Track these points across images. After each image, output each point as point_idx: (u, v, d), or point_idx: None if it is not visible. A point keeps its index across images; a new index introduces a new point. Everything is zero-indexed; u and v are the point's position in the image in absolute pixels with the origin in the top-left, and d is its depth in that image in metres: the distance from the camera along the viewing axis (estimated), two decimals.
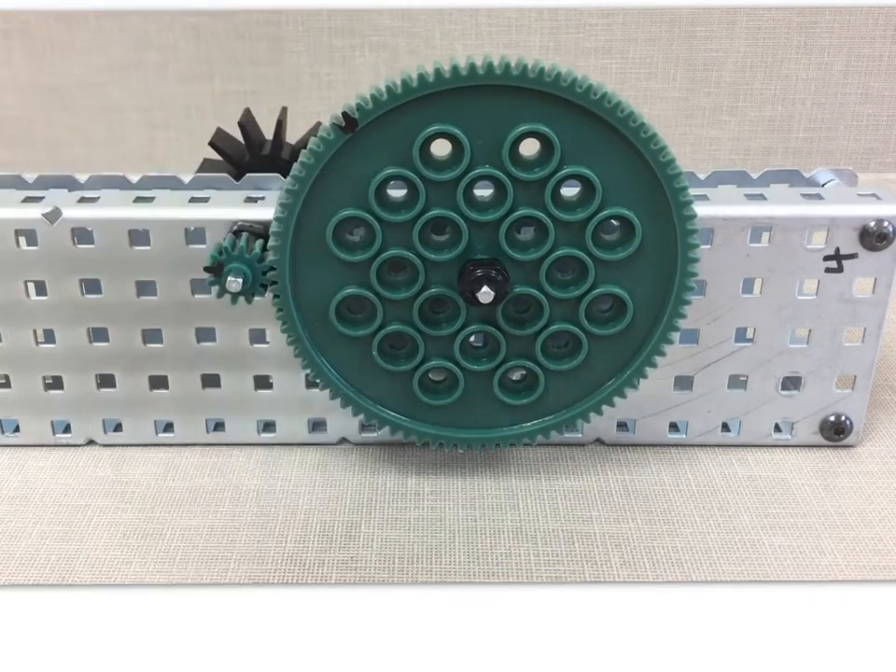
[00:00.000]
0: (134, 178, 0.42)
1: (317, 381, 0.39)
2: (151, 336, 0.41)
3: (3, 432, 0.43)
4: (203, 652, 0.32)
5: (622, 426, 0.43)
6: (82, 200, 0.40)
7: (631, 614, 0.34)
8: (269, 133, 0.51)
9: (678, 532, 0.38)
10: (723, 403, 0.42)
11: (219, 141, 0.51)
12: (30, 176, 0.43)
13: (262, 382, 0.42)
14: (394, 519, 0.39)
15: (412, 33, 0.76)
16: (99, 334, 0.41)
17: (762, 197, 0.39)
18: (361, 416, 0.40)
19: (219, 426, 0.43)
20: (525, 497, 0.40)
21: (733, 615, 0.34)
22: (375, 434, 0.43)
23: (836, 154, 0.80)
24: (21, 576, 0.36)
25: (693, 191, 0.36)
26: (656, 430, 0.42)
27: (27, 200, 0.40)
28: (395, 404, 0.39)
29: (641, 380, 0.39)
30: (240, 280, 0.36)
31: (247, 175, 0.42)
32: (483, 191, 0.36)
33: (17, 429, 0.43)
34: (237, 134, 0.51)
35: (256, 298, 0.37)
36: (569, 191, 0.36)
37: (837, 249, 0.39)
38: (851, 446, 0.43)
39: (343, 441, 0.43)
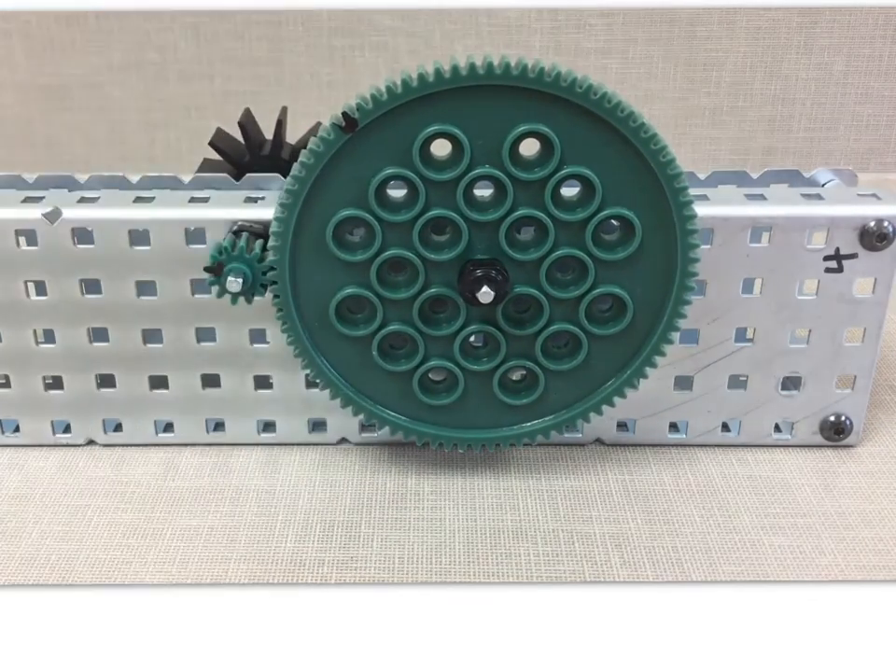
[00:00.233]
0: (134, 178, 0.42)
1: (317, 381, 0.39)
2: (151, 336, 0.41)
3: (3, 432, 0.43)
4: (203, 652, 0.32)
5: (622, 426, 0.43)
6: (82, 200, 0.40)
7: (631, 614, 0.34)
8: (269, 133, 0.51)
9: (678, 532, 0.38)
10: (723, 403, 0.42)
11: (219, 141, 0.51)
12: (30, 176, 0.43)
13: (262, 382, 0.42)
14: (394, 519, 0.39)
15: (412, 33, 0.76)
16: (99, 334, 0.41)
17: (762, 197, 0.39)
18: (361, 416, 0.40)
19: (219, 426, 0.43)
20: (525, 496, 0.40)
21: (733, 615, 0.34)
22: (375, 434, 0.43)
23: (836, 154, 0.80)
24: (21, 576, 0.36)
25: (693, 191, 0.36)
26: (656, 430, 0.42)
27: (27, 200, 0.40)
28: (395, 404, 0.39)
29: (641, 380, 0.39)
30: (240, 280, 0.36)
31: (247, 174, 0.42)
32: (483, 191, 0.36)
33: (17, 429, 0.43)
34: (237, 134, 0.51)
35: (256, 298, 0.37)
36: (569, 191, 0.36)
37: (837, 249, 0.39)
38: (851, 446, 0.43)
39: (343, 440, 0.43)
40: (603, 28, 0.76)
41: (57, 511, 0.39)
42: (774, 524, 0.38)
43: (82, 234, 0.39)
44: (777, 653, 0.32)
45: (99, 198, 0.40)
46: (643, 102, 0.77)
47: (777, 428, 0.43)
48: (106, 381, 0.42)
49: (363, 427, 0.43)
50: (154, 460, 0.42)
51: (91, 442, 0.43)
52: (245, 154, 0.51)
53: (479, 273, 0.36)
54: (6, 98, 0.78)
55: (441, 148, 0.36)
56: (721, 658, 0.32)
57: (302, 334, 0.38)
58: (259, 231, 0.38)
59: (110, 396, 0.42)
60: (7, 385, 0.42)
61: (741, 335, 0.41)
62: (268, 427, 0.43)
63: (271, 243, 0.36)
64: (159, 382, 0.42)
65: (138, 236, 0.39)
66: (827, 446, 0.43)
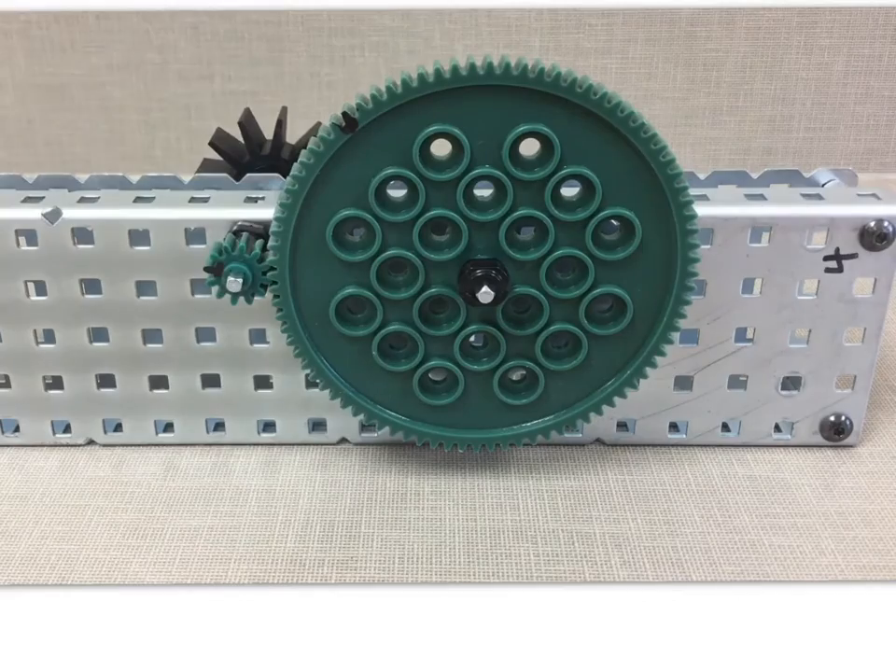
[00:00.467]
0: (134, 178, 0.42)
1: (317, 381, 0.39)
2: (151, 336, 0.41)
3: (3, 432, 0.43)
4: (203, 652, 0.32)
5: (622, 426, 0.43)
6: (82, 200, 0.40)
7: (631, 614, 0.34)
8: (269, 133, 0.51)
9: (678, 532, 0.38)
10: (723, 403, 0.42)
11: (219, 141, 0.51)
12: (30, 176, 0.43)
13: (262, 382, 0.42)
14: (394, 519, 0.39)
15: (412, 33, 0.76)
16: (99, 334, 0.41)
17: (762, 197, 0.39)
18: (361, 416, 0.40)
19: (219, 426, 0.43)
20: (525, 497, 0.40)
21: (733, 615, 0.34)
22: (375, 434, 0.43)
23: (836, 154, 0.80)
24: (21, 576, 0.36)
25: (693, 191, 0.36)
26: (656, 430, 0.42)
27: (27, 200, 0.40)
28: (395, 404, 0.39)
29: (641, 380, 0.39)
30: (240, 280, 0.36)
31: (247, 174, 0.42)
32: (483, 191, 0.36)
33: (17, 429, 0.43)
34: (237, 134, 0.51)
35: (256, 298, 0.37)
36: (569, 191, 0.36)
37: (837, 249, 0.39)
38: (851, 446, 0.43)
39: (343, 440, 0.43)
40: (603, 28, 0.76)
41: (57, 511, 0.39)
42: (774, 524, 0.38)
43: (82, 234, 0.39)
44: (777, 653, 0.32)
45: (99, 198, 0.40)
46: (643, 102, 0.77)
47: (777, 428, 0.43)
48: (106, 381, 0.42)
49: (363, 427, 0.43)
50: (154, 460, 0.42)
51: (90, 442, 0.43)
52: (245, 154, 0.51)
53: (479, 272, 0.36)
54: (6, 98, 0.78)
55: (441, 148, 0.36)
56: (721, 658, 0.32)
57: (302, 334, 0.38)
58: (258, 231, 0.38)
59: (110, 396, 0.42)
60: (7, 385, 0.42)
61: (741, 335, 0.41)
62: (268, 427, 0.43)
63: (271, 243, 0.36)
64: (159, 382, 0.42)
65: (138, 236, 0.39)
66: (827, 446, 0.43)
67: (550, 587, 0.35)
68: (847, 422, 0.42)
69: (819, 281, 0.39)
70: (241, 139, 0.51)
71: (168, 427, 0.43)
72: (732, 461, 0.42)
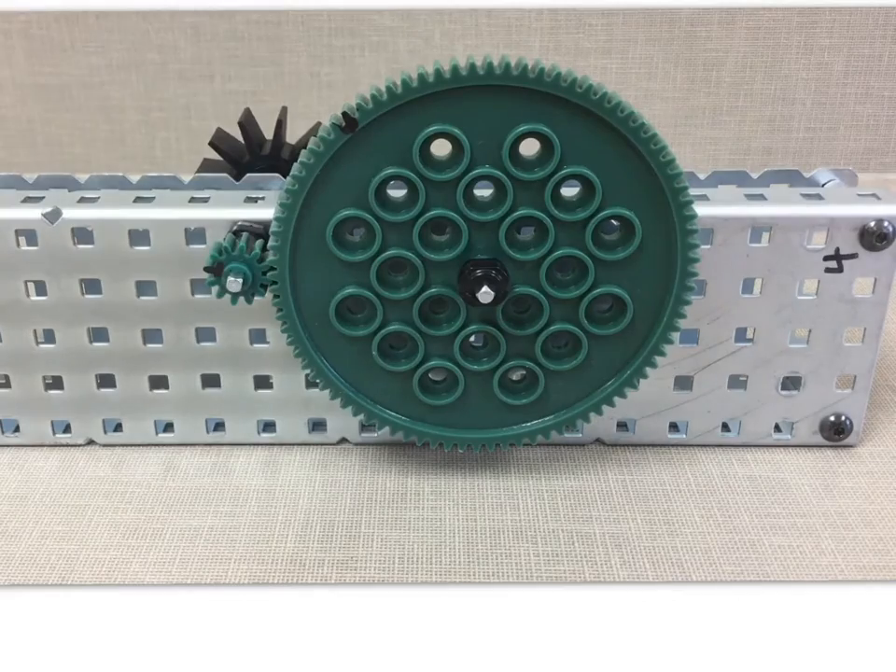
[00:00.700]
0: (134, 178, 0.42)
1: (317, 381, 0.39)
2: (151, 336, 0.41)
3: (3, 432, 0.43)
4: (203, 652, 0.32)
5: (622, 426, 0.43)
6: (82, 200, 0.40)
7: (631, 614, 0.34)
8: (269, 133, 0.51)
9: (678, 532, 0.38)
10: (723, 403, 0.42)
11: (219, 141, 0.51)
12: (30, 176, 0.43)
13: (262, 382, 0.42)
14: (394, 519, 0.39)
15: (412, 33, 0.76)
16: (99, 334, 0.41)
17: (762, 197, 0.39)
18: (361, 416, 0.40)
19: (219, 426, 0.43)
20: (525, 497, 0.40)
21: (733, 615, 0.34)
22: (375, 434, 0.43)
23: (836, 154, 0.80)
24: (21, 576, 0.36)
25: (693, 191, 0.36)
26: (656, 430, 0.42)
27: (27, 200, 0.40)
28: (395, 404, 0.39)
29: (641, 380, 0.39)
30: (240, 280, 0.36)
31: (247, 174, 0.42)
32: (483, 191, 0.36)
33: (17, 429, 0.43)
34: (237, 134, 0.51)
35: (256, 298, 0.37)
36: (569, 191, 0.36)
37: (837, 249, 0.39)
38: (851, 446, 0.43)
39: (343, 440, 0.43)
40: (603, 28, 0.76)
41: (57, 511, 0.39)
42: (774, 524, 0.38)
43: (82, 234, 0.39)
44: (777, 653, 0.32)
45: (99, 198, 0.40)
46: (643, 102, 0.77)
47: (777, 428, 0.43)
48: (106, 381, 0.42)
49: (363, 427, 0.43)
50: (154, 460, 0.42)
51: (90, 442, 0.43)
52: (245, 154, 0.51)
53: (479, 272, 0.36)
54: (6, 98, 0.78)
55: (441, 148, 0.36)
56: (721, 658, 0.32)
57: (302, 334, 0.38)
58: (258, 231, 0.38)
59: (110, 396, 0.42)
60: (7, 385, 0.42)
61: (741, 335, 0.41)
62: (268, 427, 0.43)
63: (271, 243, 0.36)
64: (159, 382, 0.42)
65: (138, 236, 0.39)
66: (827, 446, 0.43)
67: (550, 587, 0.35)
68: (847, 422, 0.42)
69: (819, 281, 0.39)
70: (241, 139, 0.51)
71: (168, 427, 0.43)
72: (732, 461, 0.42)
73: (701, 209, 0.37)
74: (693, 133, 0.79)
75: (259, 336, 0.41)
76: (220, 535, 0.38)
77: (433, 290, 0.37)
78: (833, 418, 0.42)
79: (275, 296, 0.37)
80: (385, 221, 0.36)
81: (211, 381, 0.42)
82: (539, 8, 0.75)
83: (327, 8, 0.75)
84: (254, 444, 0.43)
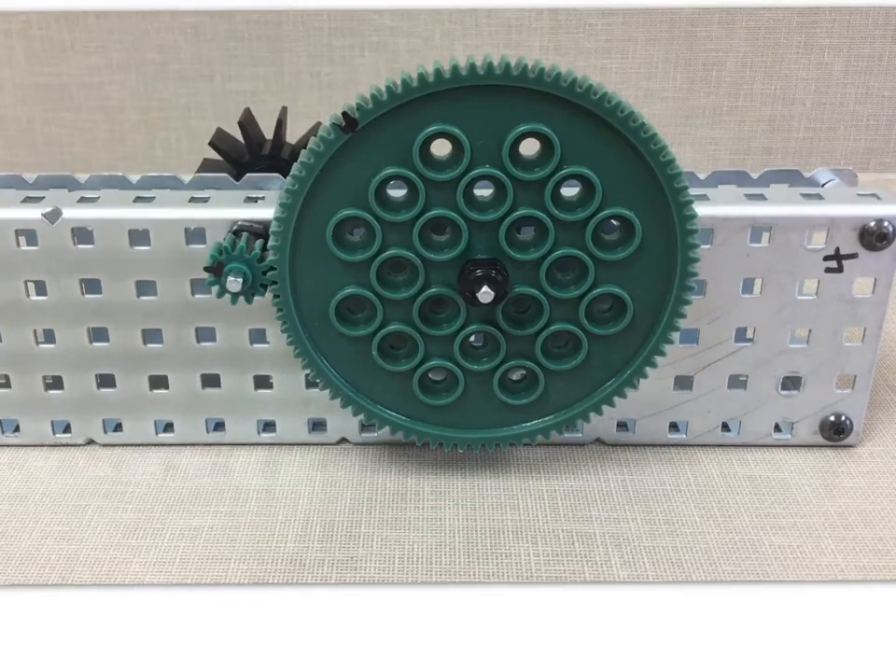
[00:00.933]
0: (134, 178, 0.42)
1: (317, 381, 0.39)
2: (151, 336, 0.41)
3: (3, 432, 0.43)
4: (203, 652, 0.32)
5: (622, 426, 0.43)
6: (82, 200, 0.40)
7: (631, 614, 0.34)
8: (269, 133, 0.51)
9: (678, 532, 0.38)
10: (723, 403, 0.42)
11: (219, 141, 0.51)
12: (30, 176, 0.43)
13: (262, 382, 0.42)
14: (394, 519, 0.39)
15: (412, 33, 0.76)
16: (99, 334, 0.41)
17: (762, 197, 0.39)
18: (361, 416, 0.40)
19: (219, 426, 0.43)
20: (525, 497, 0.40)
21: (733, 615, 0.34)
22: (375, 434, 0.43)
23: (836, 154, 0.80)
24: (21, 576, 0.36)
25: (693, 191, 0.36)
26: (656, 430, 0.42)
27: (27, 200, 0.40)
28: (395, 404, 0.39)
29: (641, 380, 0.39)
30: (240, 280, 0.36)
31: (247, 174, 0.42)
32: (483, 191, 0.36)
33: (17, 429, 0.43)
34: (237, 134, 0.51)
35: (256, 298, 0.37)
36: (569, 191, 0.36)
37: (837, 249, 0.39)
38: (851, 446, 0.43)
39: (343, 440, 0.43)
40: (603, 28, 0.76)
41: (57, 511, 0.39)
42: (774, 524, 0.38)
43: (82, 234, 0.39)
44: (777, 653, 0.32)
45: (99, 198, 0.40)
46: (643, 102, 0.77)
47: (777, 428, 0.43)
48: (106, 381, 0.42)
49: (363, 427, 0.43)
50: (154, 460, 0.42)
51: (90, 442, 0.43)
52: (245, 154, 0.51)
53: (479, 272, 0.36)
54: (6, 98, 0.78)
55: (441, 148, 0.36)
56: (721, 658, 0.32)
57: (302, 334, 0.38)
58: (258, 231, 0.38)
59: (110, 396, 0.42)
60: (7, 385, 0.42)
61: (741, 335, 0.41)
62: (268, 427, 0.43)
63: (271, 243, 0.36)
64: (159, 382, 0.42)
65: (138, 236, 0.39)
66: (827, 446, 0.43)
67: (550, 587, 0.35)
68: (847, 422, 0.42)
69: (819, 281, 0.39)
70: (241, 139, 0.51)
71: (168, 427, 0.43)
72: (732, 461, 0.42)
73: (701, 209, 0.37)
74: (692, 132, 0.79)
75: (259, 336, 0.41)
76: (220, 535, 0.38)
77: (433, 290, 0.37)
78: (832, 418, 0.42)
79: (275, 296, 0.37)
80: (384, 221, 0.36)
81: (211, 381, 0.42)
82: (539, 8, 0.75)
83: (327, 8, 0.75)
84: (254, 444, 0.43)
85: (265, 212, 0.38)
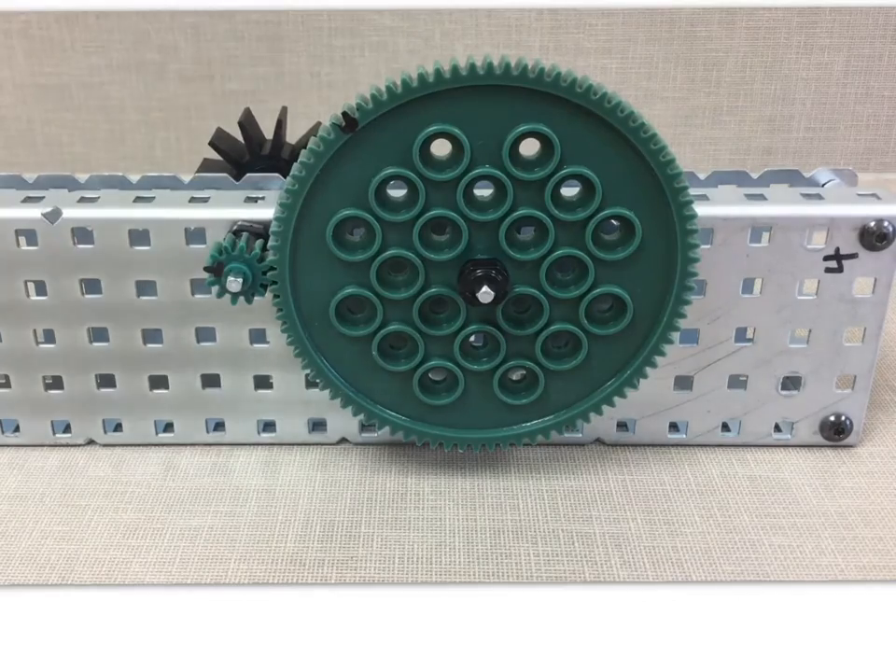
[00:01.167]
0: (134, 178, 0.42)
1: (317, 381, 0.39)
2: (151, 336, 0.41)
3: (3, 432, 0.43)
4: (203, 652, 0.32)
5: (622, 426, 0.43)
6: (82, 200, 0.40)
7: (631, 614, 0.34)
8: (269, 133, 0.51)
9: (678, 532, 0.38)
10: (723, 403, 0.42)
11: (219, 141, 0.51)
12: (30, 176, 0.43)
13: (262, 382, 0.42)
14: (394, 519, 0.39)
15: (412, 33, 0.76)
16: (99, 334, 0.41)
17: (762, 197, 0.39)
18: (361, 416, 0.40)
19: (219, 426, 0.43)
20: (525, 496, 0.40)
21: (733, 615, 0.34)
22: (375, 434, 0.43)
23: (836, 154, 0.80)
24: (21, 576, 0.36)
25: (693, 191, 0.36)
26: (656, 430, 0.42)
27: (27, 200, 0.40)
28: (395, 404, 0.39)
29: (641, 380, 0.39)
30: (240, 280, 0.36)
31: (247, 174, 0.42)
32: (483, 191, 0.36)
33: (17, 429, 0.43)
34: (237, 134, 0.51)
35: (256, 298, 0.37)
36: (569, 191, 0.36)
37: (837, 249, 0.39)
38: (851, 446, 0.43)
39: (343, 440, 0.43)
40: (603, 28, 0.76)
41: (57, 511, 0.39)
42: (774, 524, 0.38)
43: (82, 234, 0.39)
44: (777, 653, 0.32)
45: (99, 198, 0.40)
46: (643, 102, 0.77)
47: (777, 428, 0.43)
48: (106, 381, 0.42)
49: (363, 427, 0.43)
50: (154, 460, 0.42)
51: (90, 442, 0.43)
52: (245, 154, 0.51)
53: (479, 272, 0.36)
54: (6, 98, 0.78)
55: (441, 148, 0.36)
56: (721, 658, 0.32)
57: (302, 334, 0.38)
58: (258, 231, 0.38)
59: (110, 396, 0.42)
60: (7, 385, 0.42)
61: (741, 335, 0.41)
62: (268, 427, 0.43)
63: (271, 243, 0.36)
64: (159, 382, 0.42)
65: (138, 236, 0.39)
66: (827, 446, 0.43)
67: (550, 587, 0.35)
68: (847, 422, 0.42)
69: (819, 281, 0.39)
70: (241, 139, 0.51)
71: (168, 427, 0.43)
72: (732, 461, 0.42)
73: (701, 209, 0.37)
74: (693, 132, 0.79)
75: (258, 336, 0.41)
76: (220, 535, 0.38)
77: (433, 290, 0.37)
78: (832, 418, 0.42)
79: (275, 296, 0.37)
80: (384, 221, 0.36)
81: (211, 381, 0.42)
82: (540, 8, 0.75)
83: (327, 8, 0.75)
84: (254, 444, 0.43)
85: (265, 212, 0.38)
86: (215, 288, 0.37)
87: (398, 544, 0.37)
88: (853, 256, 0.39)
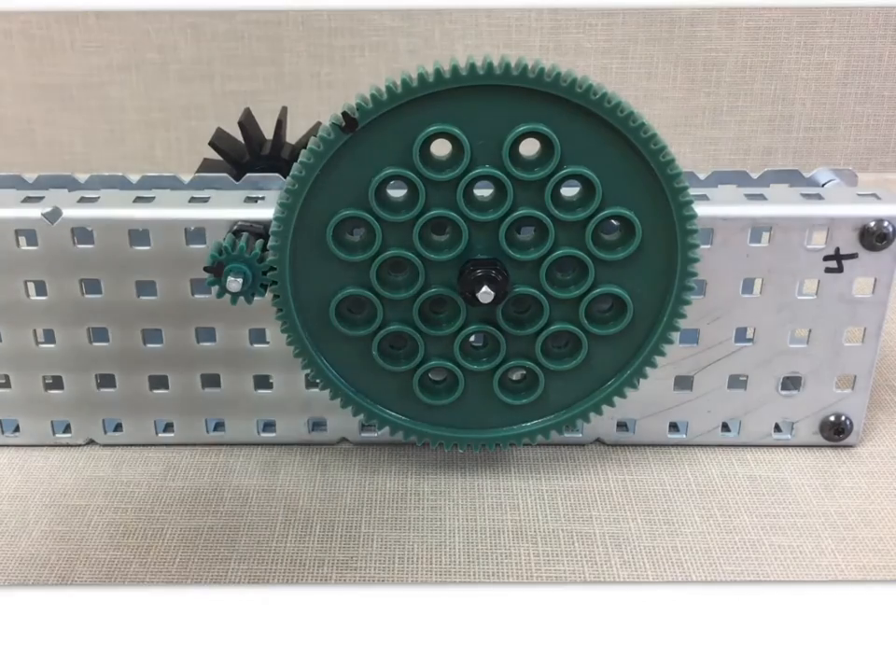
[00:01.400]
0: (134, 178, 0.42)
1: (317, 381, 0.39)
2: (151, 336, 0.41)
3: (3, 432, 0.43)
4: (203, 652, 0.32)
5: (622, 426, 0.43)
6: (82, 200, 0.40)
7: (631, 614, 0.34)
8: (269, 133, 0.51)
9: (678, 532, 0.38)
10: (723, 403, 0.42)
11: (219, 141, 0.51)
12: (30, 176, 0.43)
13: (262, 382, 0.42)
14: (394, 519, 0.39)
15: (412, 33, 0.76)
16: (99, 334, 0.41)
17: (762, 197, 0.39)
18: (361, 416, 0.40)
19: (219, 426, 0.43)
20: (525, 496, 0.40)
21: (733, 615, 0.34)
22: (375, 434, 0.43)
23: (836, 154, 0.80)
24: (21, 576, 0.36)
25: (693, 191, 0.36)
26: (656, 430, 0.42)
27: (27, 200, 0.40)
28: (395, 404, 0.39)
29: (641, 380, 0.39)
30: (240, 280, 0.36)
31: (247, 174, 0.42)
32: (483, 191, 0.36)
33: (17, 429, 0.43)
34: (237, 134, 0.51)
35: (256, 298, 0.37)
36: (569, 191, 0.36)
37: (837, 249, 0.39)
38: (851, 446, 0.43)
39: (343, 440, 0.43)
40: (603, 28, 0.76)
41: (57, 511, 0.39)
42: (774, 524, 0.38)
43: (82, 234, 0.39)
44: (777, 653, 0.32)
45: (99, 198, 0.40)
46: (643, 102, 0.77)
47: (777, 428, 0.43)
48: (106, 381, 0.42)
49: (363, 427, 0.43)
50: (154, 460, 0.42)
51: (90, 442, 0.43)
52: (245, 154, 0.51)
53: (479, 272, 0.36)
54: (6, 98, 0.78)
55: (441, 148, 0.36)
56: (721, 658, 0.32)
57: (302, 334, 0.38)
58: (258, 231, 0.38)
59: (110, 396, 0.42)
60: (7, 385, 0.42)
61: (741, 335, 0.41)
62: (268, 427, 0.43)
63: (271, 243, 0.36)
64: (159, 382, 0.42)
65: (138, 236, 0.39)
66: (827, 446, 0.43)
67: (550, 587, 0.35)
68: (847, 422, 0.42)
69: (819, 281, 0.39)
70: (241, 139, 0.51)
71: (168, 427, 0.43)
72: (732, 461, 0.42)
73: (701, 209, 0.37)
74: (693, 132, 0.79)
75: (258, 336, 0.41)
76: (220, 535, 0.38)
77: (433, 290, 0.37)
78: (832, 418, 0.42)
79: (275, 296, 0.37)
80: (384, 221, 0.36)
81: (211, 381, 0.42)
82: (539, 8, 0.75)
83: (327, 8, 0.75)
84: (254, 444, 0.43)
85: (265, 212, 0.38)
86: (215, 288, 0.37)
87: (398, 544, 0.37)
88: (853, 256, 0.39)
